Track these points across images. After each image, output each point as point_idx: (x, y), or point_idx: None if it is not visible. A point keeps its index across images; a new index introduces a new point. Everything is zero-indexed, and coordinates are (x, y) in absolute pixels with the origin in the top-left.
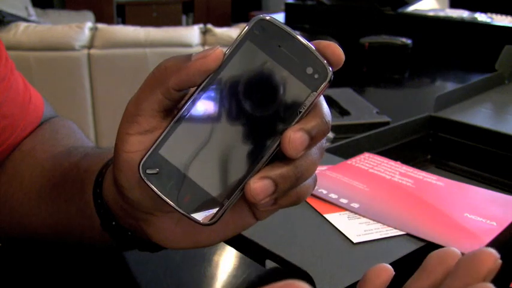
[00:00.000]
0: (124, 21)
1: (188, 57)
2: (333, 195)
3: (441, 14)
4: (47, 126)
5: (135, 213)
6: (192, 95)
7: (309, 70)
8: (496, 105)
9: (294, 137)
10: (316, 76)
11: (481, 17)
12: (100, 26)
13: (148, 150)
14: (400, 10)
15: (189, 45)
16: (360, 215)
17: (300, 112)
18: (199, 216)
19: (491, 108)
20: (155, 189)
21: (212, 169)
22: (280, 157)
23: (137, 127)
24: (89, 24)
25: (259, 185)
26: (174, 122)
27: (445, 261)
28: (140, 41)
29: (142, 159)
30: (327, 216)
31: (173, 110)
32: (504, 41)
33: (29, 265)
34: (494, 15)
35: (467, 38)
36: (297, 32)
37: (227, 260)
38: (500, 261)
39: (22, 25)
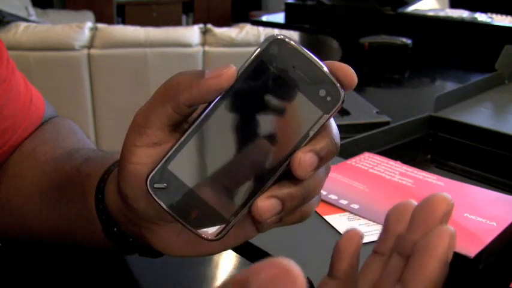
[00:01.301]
0: (124, 21)
1: (201, 73)
2: (333, 196)
3: (441, 14)
4: (48, 127)
5: (138, 222)
6: (203, 111)
7: (322, 92)
8: (496, 105)
9: (304, 158)
10: (328, 99)
11: (481, 17)
12: (100, 26)
13: (157, 165)
14: (400, 10)
15: (189, 45)
16: (359, 216)
17: (310, 134)
18: (205, 232)
19: (491, 108)
20: (162, 204)
21: (220, 186)
22: (288, 176)
23: (145, 139)
24: (89, 24)
25: (266, 204)
26: (184, 137)
27: (403, 216)
28: (140, 41)
29: (150, 173)
30: (327, 217)
31: (182, 124)
32: (504, 41)
33: (29, 265)
34: (494, 15)
35: (467, 38)
36: (311, 53)
37: (227, 260)
38: (452, 202)
39: (22, 25)
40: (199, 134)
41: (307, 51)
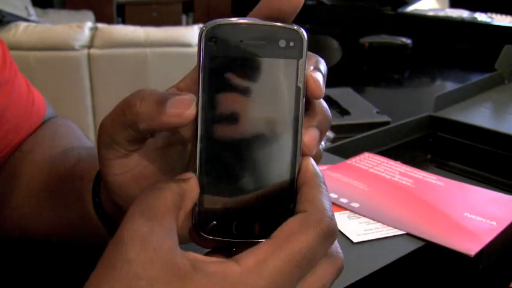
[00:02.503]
0: (124, 21)
1: (162, 102)
2: (333, 195)
3: (441, 14)
4: (46, 127)
5: None
6: (196, 147)
7: (282, 43)
8: (496, 105)
9: (310, 135)
10: (291, 44)
11: (481, 17)
12: (100, 25)
13: (194, 211)
14: (400, 10)
15: (189, 45)
16: (359, 214)
17: (300, 86)
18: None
19: (491, 108)
20: (226, 239)
21: (257, 190)
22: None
23: (116, 152)
24: (89, 24)
25: (310, 137)
26: (198, 177)
27: None
28: (140, 41)
29: (195, 223)
30: None
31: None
32: (504, 41)
33: (29, 265)
34: (494, 15)
35: (467, 38)
36: (241, 18)
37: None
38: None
39: (22, 25)
40: (209, 168)
41: (240, 19)
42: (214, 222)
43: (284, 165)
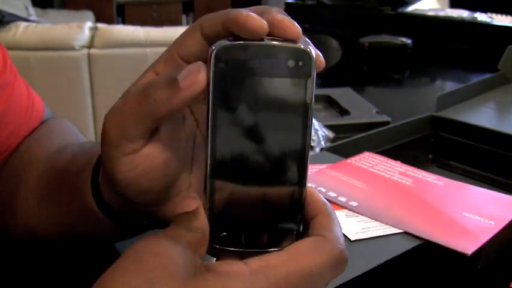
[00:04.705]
0: (124, 21)
1: (174, 82)
2: (332, 194)
3: (441, 13)
4: (43, 126)
5: (146, 209)
6: (207, 164)
7: (291, 63)
8: (498, 105)
9: None
10: (300, 63)
11: (481, 17)
12: (100, 25)
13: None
14: (400, 10)
15: None
16: (358, 213)
17: (309, 104)
18: (287, 242)
19: (494, 108)
20: (236, 249)
21: (266, 201)
22: None
23: (125, 149)
24: (89, 24)
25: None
26: (208, 193)
27: None
28: (140, 41)
29: (209, 238)
30: None
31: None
32: (504, 41)
33: (29, 265)
34: (494, 15)
35: (467, 38)
36: (250, 39)
37: None
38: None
39: (22, 25)
40: (218, 181)
41: (247, 41)
42: (225, 233)
43: (292, 176)
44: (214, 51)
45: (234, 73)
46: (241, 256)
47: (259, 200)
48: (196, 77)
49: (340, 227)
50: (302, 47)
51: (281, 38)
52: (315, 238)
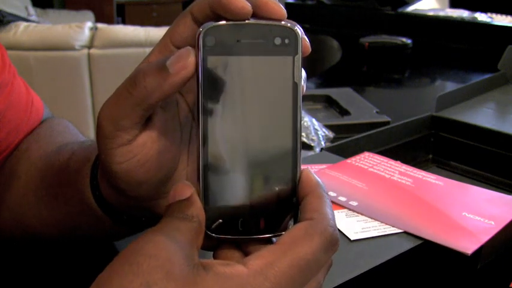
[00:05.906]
0: (124, 21)
1: (162, 68)
2: (332, 193)
3: (441, 14)
4: (43, 125)
5: (142, 204)
6: (198, 152)
7: (277, 41)
8: (498, 105)
9: None
10: (287, 41)
11: (481, 17)
12: (100, 25)
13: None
14: (400, 10)
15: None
16: (358, 212)
17: (297, 82)
18: (284, 226)
19: (494, 108)
20: (233, 237)
21: (261, 186)
22: None
23: (119, 140)
24: (89, 24)
25: None
26: (202, 178)
27: None
28: (140, 40)
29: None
30: None
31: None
32: (504, 41)
33: (29, 265)
34: (494, 15)
35: (467, 38)
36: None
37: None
38: None
39: (22, 25)
40: (212, 165)
41: (235, 21)
42: (220, 220)
43: (285, 158)
44: (202, 33)
45: (222, 53)
46: (238, 244)
47: (254, 184)
48: (186, 62)
49: (332, 208)
50: (288, 25)
51: (267, 19)
52: (304, 223)
